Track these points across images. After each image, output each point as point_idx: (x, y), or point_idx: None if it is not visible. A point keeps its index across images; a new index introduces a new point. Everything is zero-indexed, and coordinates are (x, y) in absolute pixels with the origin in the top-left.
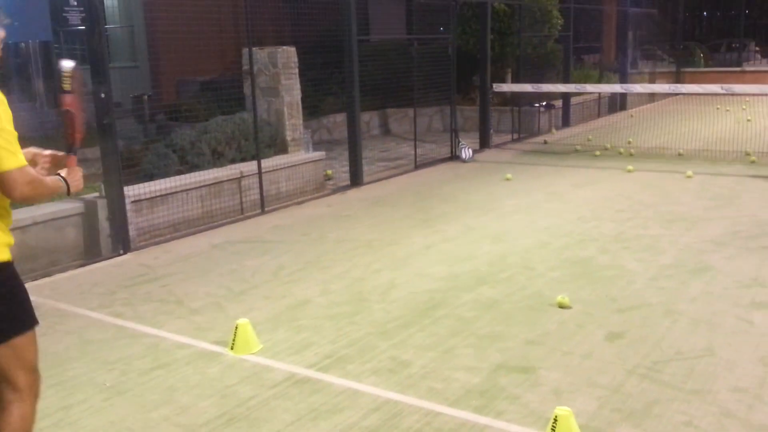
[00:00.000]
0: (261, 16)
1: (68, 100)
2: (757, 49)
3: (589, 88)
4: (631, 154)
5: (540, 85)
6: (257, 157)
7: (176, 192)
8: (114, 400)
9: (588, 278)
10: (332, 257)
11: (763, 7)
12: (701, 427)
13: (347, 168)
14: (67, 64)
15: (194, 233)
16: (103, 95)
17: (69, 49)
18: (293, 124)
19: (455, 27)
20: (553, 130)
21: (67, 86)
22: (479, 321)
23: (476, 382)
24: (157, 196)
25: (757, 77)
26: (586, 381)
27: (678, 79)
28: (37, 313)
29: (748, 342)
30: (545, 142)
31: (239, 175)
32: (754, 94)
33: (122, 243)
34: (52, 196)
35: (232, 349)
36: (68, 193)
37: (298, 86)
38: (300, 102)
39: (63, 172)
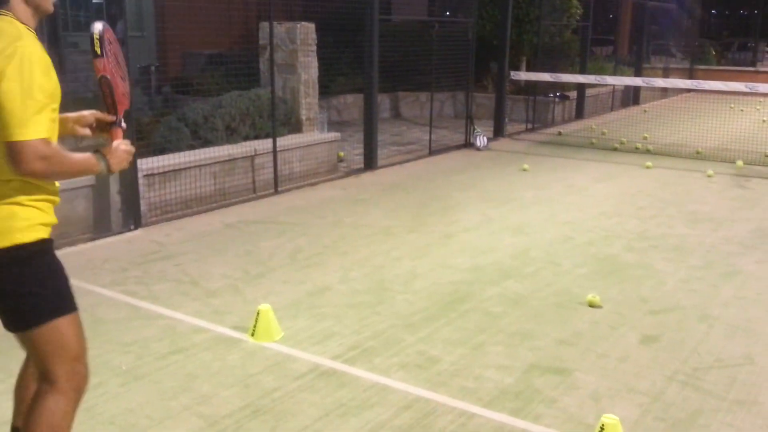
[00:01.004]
0: None
1: (101, 65)
2: (767, 49)
3: (609, 80)
4: (648, 150)
5: (559, 74)
6: (273, 135)
7: (189, 168)
8: (131, 386)
9: (616, 277)
10: (350, 242)
11: None
12: None
13: (359, 150)
14: (97, 27)
15: (206, 211)
16: None
17: (73, 17)
18: (309, 102)
19: (476, 10)
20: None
21: (98, 50)
22: (507, 317)
23: (510, 383)
24: (169, 171)
25: None
26: (625, 386)
27: (691, 75)
28: None
29: None
30: (560, 134)
31: (253, 153)
32: None
33: (133, 218)
34: (81, 175)
35: (252, 335)
36: (109, 171)
37: (315, 64)
38: (317, 81)
39: (105, 149)
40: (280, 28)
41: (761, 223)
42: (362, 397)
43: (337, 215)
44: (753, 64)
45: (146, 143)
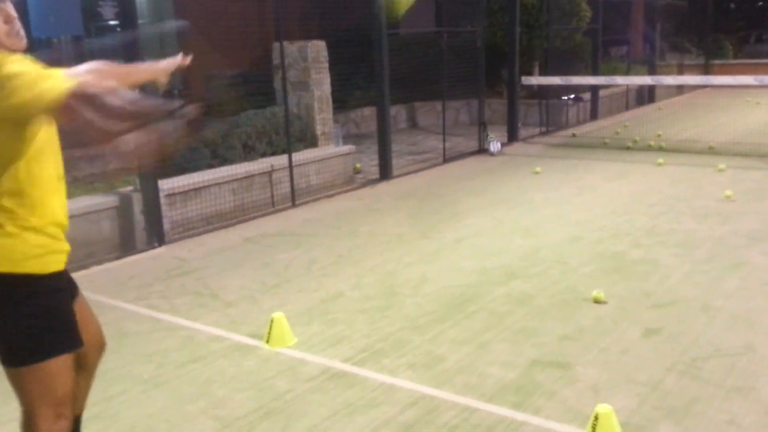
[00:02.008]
0: (289, 11)
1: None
2: None
3: (619, 80)
4: (661, 147)
5: (569, 77)
6: (288, 150)
7: (209, 186)
8: (151, 393)
9: (622, 273)
10: (363, 251)
11: None
12: (744, 425)
13: (376, 161)
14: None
15: (226, 227)
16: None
17: (99, 45)
18: (323, 118)
19: (484, 19)
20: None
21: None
22: (513, 316)
23: (512, 378)
24: (190, 190)
25: None
26: (625, 378)
27: (707, 71)
28: None
29: None
30: (574, 135)
31: (270, 169)
32: None
33: (157, 236)
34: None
35: (267, 342)
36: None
37: (328, 80)
38: (330, 96)
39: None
40: (292, 47)
41: None
42: (370, 396)
43: (351, 225)
44: None
45: (168, 164)
